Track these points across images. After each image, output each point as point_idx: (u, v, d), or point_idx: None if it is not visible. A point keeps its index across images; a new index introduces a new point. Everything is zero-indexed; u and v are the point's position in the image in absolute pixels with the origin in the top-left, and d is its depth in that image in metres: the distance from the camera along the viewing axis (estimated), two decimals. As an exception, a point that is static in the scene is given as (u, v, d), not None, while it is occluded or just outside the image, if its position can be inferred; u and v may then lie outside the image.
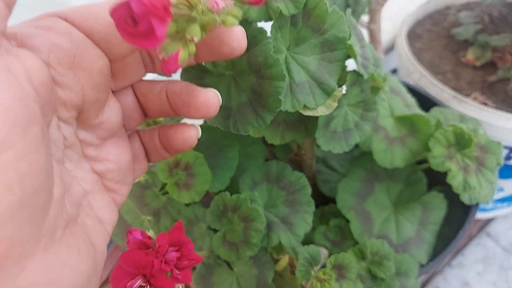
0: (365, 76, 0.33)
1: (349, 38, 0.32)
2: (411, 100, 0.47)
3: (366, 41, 0.38)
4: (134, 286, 0.27)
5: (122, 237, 0.46)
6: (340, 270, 0.34)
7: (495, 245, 1.38)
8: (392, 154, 0.42)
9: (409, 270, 0.45)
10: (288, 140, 0.36)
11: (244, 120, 0.30)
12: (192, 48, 0.19)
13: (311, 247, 0.35)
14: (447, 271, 1.29)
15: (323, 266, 0.36)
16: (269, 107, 0.29)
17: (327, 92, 0.32)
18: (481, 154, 0.42)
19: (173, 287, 0.27)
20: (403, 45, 0.71)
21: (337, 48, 0.32)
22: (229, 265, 0.36)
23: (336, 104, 0.31)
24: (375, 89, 0.37)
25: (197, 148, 0.38)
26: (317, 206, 0.45)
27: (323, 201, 0.51)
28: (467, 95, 0.67)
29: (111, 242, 0.59)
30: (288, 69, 0.31)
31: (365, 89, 0.35)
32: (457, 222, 0.52)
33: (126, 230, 0.45)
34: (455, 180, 0.40)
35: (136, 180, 0.36)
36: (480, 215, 0.84)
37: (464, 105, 0.62)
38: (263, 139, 0.46)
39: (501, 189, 0.75)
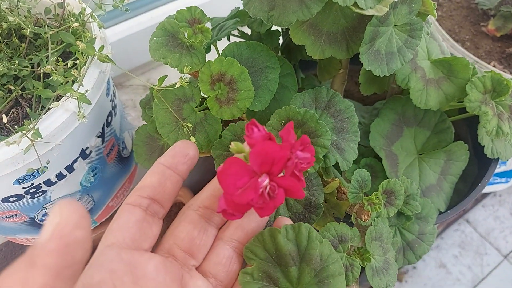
0: (417, -9, 0.33)
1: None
2: (446, 49, 0.47)
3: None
4: (263, 185, 0.23)
5: (147, 158, 0.45)
6: (389, 196, 0.35)
7: (473, 232, 1.43)
8: (427, 95, 0.42)
9: (429, 215, 0.45)
10: (327, 55, 0.35)
11: (289, 9, 0.29)
12: None
13: (363, 171, 0.35)
14: (425, 252, 1.33)
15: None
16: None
17: None
18: (514, 104, 0.42)
19: (301, 189, 0.24)
20: (427, 8, 0.71)
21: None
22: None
23: (386, 9, 0.31)
24: (423, 15, 0.36)
25: (240, 63, 0.37)
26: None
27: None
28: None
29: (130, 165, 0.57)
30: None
31: (414, 10, 0.35)
32: (471, 179, 0.53)
33: (152, 150, 0.44)
34: (490, 124, 0.40)
35: (178, 85, 0.35)
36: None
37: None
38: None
39: (503, 163, 0.77)
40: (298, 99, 0.37)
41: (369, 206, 0.33)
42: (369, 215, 0.33)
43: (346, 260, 0.32)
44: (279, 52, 0.51)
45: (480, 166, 0.53)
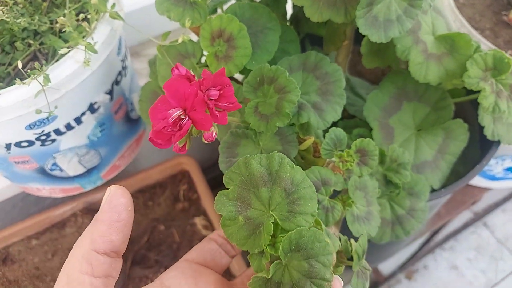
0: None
1: None
2: (455, 28, 0.47)
3: None
4: (174, 115, 0.27)
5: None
6: (363, 156, 0.35)
7: (490, 236, 1.39)
8: (427, 69, 0.42)
9: (421, 192, 0.45)
10: (325, 18, 0.36)
11: None
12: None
13: (339, 130, 0.35)
14: (438, 252, 1.32)
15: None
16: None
17: None
18: (516, 83, 0.42)
19: (211, 123, 0.28)
20: (447, -6, 0.70)
21: None
22: (255, 139, 0.37)
23: None
24: (424, -16, 0.36)
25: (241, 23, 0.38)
26: (341, 119, 0.46)
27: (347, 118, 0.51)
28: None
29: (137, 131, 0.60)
30: None
31: (414, -23, 0.35)
32: (472, 164, 0.53)
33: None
34: (487, 100, 0.40)
35: (180, 40, 0.37)
36: (489, 184, 0.84)
37: (498, 59, 0.61)
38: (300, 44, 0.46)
39: (515, 157, 0.75)
40: (285, 61, 0.38)
41: (340, 163, 0.34)
42: (342, 173, 0.34)
43: (327, 203, 0.33)
44: (288, 23, 0.52)
45: (483, 151, 0.53)
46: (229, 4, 0.45)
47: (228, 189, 0.29)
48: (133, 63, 0.76)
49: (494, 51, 0.41)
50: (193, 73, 0.29)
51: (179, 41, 0.38)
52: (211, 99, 0.28)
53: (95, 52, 0.39)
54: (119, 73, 0.51)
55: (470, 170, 0.52)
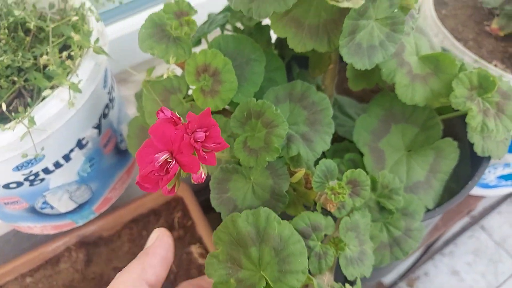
0: (396, -15, 0.33)
1: None
2: (437, 45, 0.47)
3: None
4: (160, 159, 0.27)
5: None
6: (355, 186, 0.35)
7: (488, 239, 1.39)
8: (413, 90, 0.42)
9: (416, 212, 0.45)
10: (309, 48, 0.36)
11: (267, 1, 0.31)
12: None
13: (329, 161, 0.35)
14: (437, 258, 1.31)
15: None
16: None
17: None
18: (502, 101, 0.42)
19: (198, 165, 0.28)
20: (429, 7, 0.71)
21: None
22: (245, 174, 0.37)
23: (362, 1, 0.31)
24: (405, 9, 0.37)
25: (226, 56, 0.38)
26: (331, 143, 0.46)
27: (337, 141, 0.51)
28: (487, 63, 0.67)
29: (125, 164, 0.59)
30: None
31: (394, 4, 0.35)
32: (464, 180, 0.53)
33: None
34: (474, 120, 0.40)
35: (165, 76, 0.37)
36: (482, 192, 0.85)
37: (484, 70, 0.62)
38: (286, 66, 0.46)
39: (507, 165, 0.76)
40: (271, 93, 0.38)
41: (332, 196, 0.33)
42: (334, 205, 0.34)
43: (320, 249, 0.33)
44: (273, 47, 0.52)
45: (473, 166, 0.53)
46: (213, 34, 0.45)
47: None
48: (120, 91, 0.76)
49: (479, 69, 0.42)
50: (178, 116, 0.29)
51: (164, 76, 0.38)
52: (197, 141, 0.28)
53: (79, 91, 0.39)
54: (106, 106, 0.51)
55: (463, 186, 0.52)
